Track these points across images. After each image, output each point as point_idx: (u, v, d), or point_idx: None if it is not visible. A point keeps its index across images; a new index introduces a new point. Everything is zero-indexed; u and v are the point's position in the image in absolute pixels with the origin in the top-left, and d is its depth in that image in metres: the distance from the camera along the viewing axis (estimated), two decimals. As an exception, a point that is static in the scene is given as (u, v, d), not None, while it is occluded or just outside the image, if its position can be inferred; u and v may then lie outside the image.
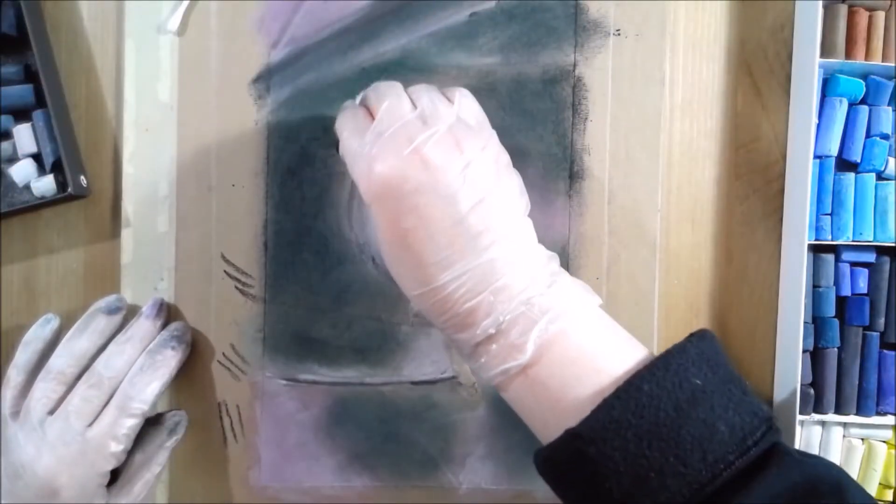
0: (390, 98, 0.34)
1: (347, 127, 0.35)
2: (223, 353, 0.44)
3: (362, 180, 0.33)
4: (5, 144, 0.42)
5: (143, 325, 0.40)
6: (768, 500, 0.28)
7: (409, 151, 0.32)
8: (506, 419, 0.44)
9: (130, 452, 0.39)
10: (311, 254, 0.43)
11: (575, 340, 0.32)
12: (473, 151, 0.33)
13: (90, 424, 0.37)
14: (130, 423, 0.38)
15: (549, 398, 0.33)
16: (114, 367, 0.39)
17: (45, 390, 0.38)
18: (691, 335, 0.33)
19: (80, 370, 0.39)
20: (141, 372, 0.39)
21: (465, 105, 0.35)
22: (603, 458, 0.30)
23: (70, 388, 0.38)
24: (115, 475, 0.39)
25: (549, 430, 0.32)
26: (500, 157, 0.35)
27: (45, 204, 0.41)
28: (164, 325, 0.42)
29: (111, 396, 0.38)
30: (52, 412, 0.38)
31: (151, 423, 0.41)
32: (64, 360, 0.39)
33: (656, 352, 0.43)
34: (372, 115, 0.35)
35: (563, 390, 0.32)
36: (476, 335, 0.33)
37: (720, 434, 0.29)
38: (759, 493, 0.29)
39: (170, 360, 0.40)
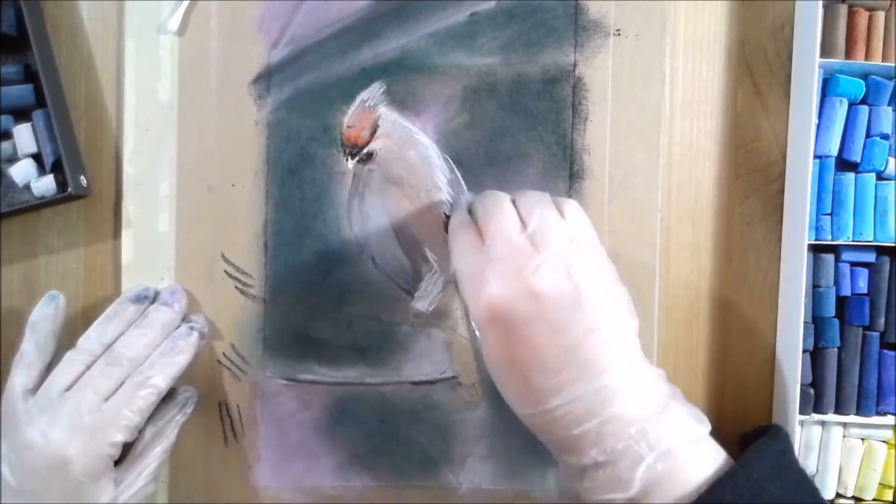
0: (497, 218, 0.34)
1: (459, 244, 0.35)
2: (223, 353, 0.44)
3: (472, 303, 0.34)
4: (5, 144, 0.42)
5: (163, 312, 0.41)
6: None
7: (518, 281, 0.32)
8: (506, 419, 0.44)
9: (141, 429, 0.39)
10: (311, 254, 0.43)
11: (682, 477, 0.32)
12: (585, 277, 0.33)
13: (107, 399, 0.38)
14: (147, 398, 0.38)
15: None
16: (133, 348, 0.39)
17: (68, 368, 0.38)
18: (766, 434, 0.34)
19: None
20: (162, 355, 0.39)
21: (577, 222, 0.35)
22: None
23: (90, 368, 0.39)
24: (123, 455, 0.39)
25: None
26: (611, 274, 0.35)
27: (45, 204, 0.41)
28: (182, 310, 0.42)
29: (129, 375, 0.39)
30: (69, 389, 0.38)
31: (163, 399, 0.41)
32: (93, 341, 0.39)
33: (655, 351, 0.44)
34: (480, 228, 0.35)
35: None
36: (583, 461, 0.33)
37: None
38: None
39: (189, 347, 0.40)
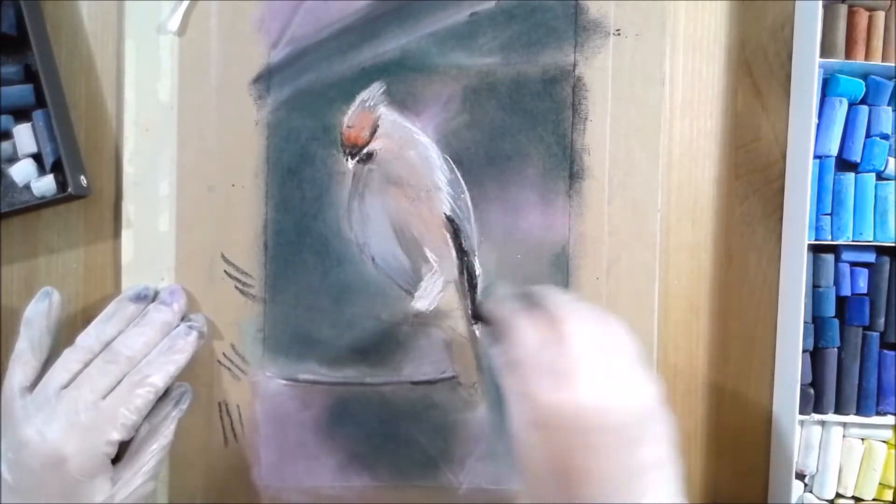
0: (583, 317, 0.32)
1: (522, 331, 0.32)
2: (223, 353, 0.44)
3: (533, 396, 0.30)
4: (5, 144, 0.42)
5: (162, 311, 0.41)
6: None
7: (611, 384, 0.29)
8: (506, 420, 0.44)
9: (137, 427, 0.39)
10: (311, 254, 0.43)
11: None
12: (653, 394, 0.31)
13: (104, 397, 0.38)
14: (144, 397, 0.38)
15: None
16: (131, 347, 0.39)
17: (66, 365, 0.38)
18: None
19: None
20: (160, 354, 0.39)
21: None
22: None
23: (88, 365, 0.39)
24: (120, 454, 0.39)
25: None
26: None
27: (45, 204, 0.41)
28: (182, 310, 0.42)
29: (126, 374, 0.39)
30: (66, 386, 0.38)
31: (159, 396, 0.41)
32: (92, 339, 0.39)
33: (655, 351, 0.44)
34: (553, 321, 0.32)
35: None
36: None
37: None
38: None
39: (188, 346, 0.40)
